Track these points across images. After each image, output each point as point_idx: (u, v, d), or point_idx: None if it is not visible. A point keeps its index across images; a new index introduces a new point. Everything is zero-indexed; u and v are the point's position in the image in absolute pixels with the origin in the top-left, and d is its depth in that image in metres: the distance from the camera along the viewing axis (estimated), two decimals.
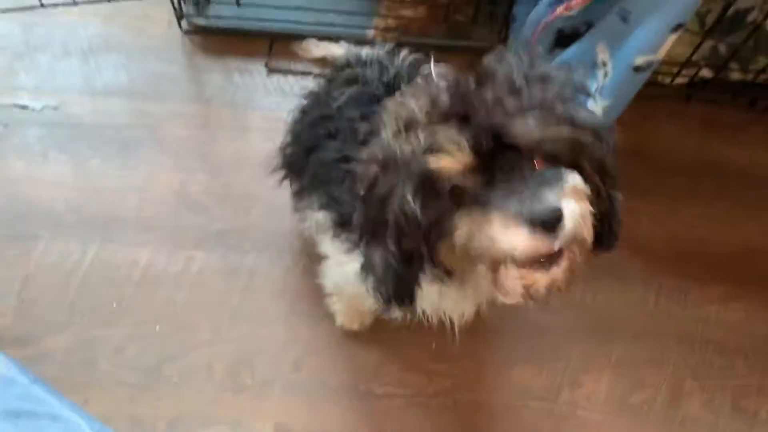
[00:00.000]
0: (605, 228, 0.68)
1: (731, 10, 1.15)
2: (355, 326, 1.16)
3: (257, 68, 1.44)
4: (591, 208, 0.62)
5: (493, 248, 0.59)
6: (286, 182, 1.08)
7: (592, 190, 0.63)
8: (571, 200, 0.59)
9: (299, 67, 1.44)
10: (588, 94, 0.68)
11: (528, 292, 0.63)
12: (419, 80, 0.71)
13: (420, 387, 1.15)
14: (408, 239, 0.64)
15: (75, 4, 1.31)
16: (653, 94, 1.39)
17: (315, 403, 1.14)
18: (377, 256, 0.68)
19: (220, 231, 1.26)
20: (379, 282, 0.70)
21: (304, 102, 1.03)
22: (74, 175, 1.30)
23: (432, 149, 0.59)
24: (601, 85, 1.08)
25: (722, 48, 1.29)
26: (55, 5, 1.34)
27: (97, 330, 1.17)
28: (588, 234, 0.62)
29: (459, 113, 0.60)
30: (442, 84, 0.64)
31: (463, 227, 0.61)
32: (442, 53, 1.44)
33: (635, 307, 1.24)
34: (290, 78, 1.43)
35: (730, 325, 1.24)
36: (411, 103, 0.63)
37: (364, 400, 1.14)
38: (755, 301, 1.25)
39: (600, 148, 0.64)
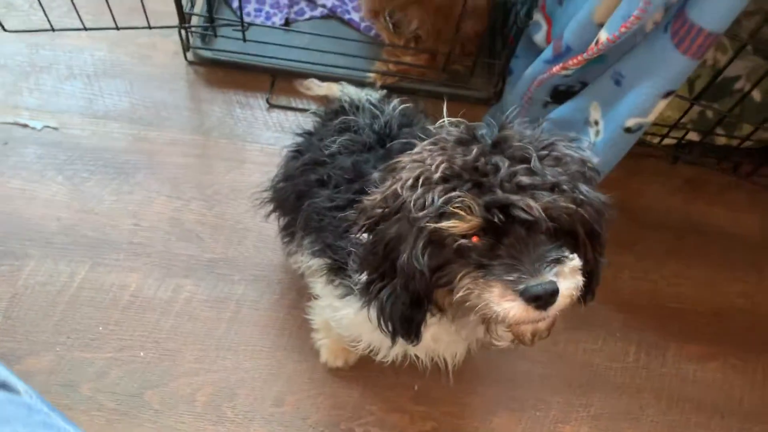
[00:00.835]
0: (586, 287, 0.71)
1: (719, 78, 1.20)
2: (339, 363, 1.17)
3: (258, 103, 1.47)
4: (582, 279, 0.66)
5: (489, 310, 0.64)
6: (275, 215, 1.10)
7: (582, 254, 0.68)
8: (568, 279, 0.64)
9: (299, 104, 1.48)
10: (597, 173, 0.73)
11: (516, 338, 0.70)
12: (434, 130, 0.74)
13: (401, 428, 1.15)
14: (416, 283, 0.67)
15: (85, 29, 1.33)
16: (641, 152, 1.44)
17: None
18: (385, 297, 0.71)
19: (211, 260, 1.27)
20: (387, 320, 0.72)
21: (298, 140, 1.06)
22: (69, 196, 1.31)
23: (446, 210, 0.62)
24: (592, 142, 1.11)
25: (709, 113, 1.34)
26: (66, 29, 1.36)
27: (81, 353, 1.16)
28: (574, 299, 0.66)
29: (473, 178, 0.63)
30: (457, 142, 0.68)
31: (463, 285, 0.64)
32: (439, 100, 1.49)
33: (616, 360, 1.26)
34: (290, 114, 1.47)
35: (707, 384, 1.26)
36: (428, 159, 0.67)
37: None
38: (732, 362, 1.28)
39: (598, 221, 0.69)
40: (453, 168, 0.64)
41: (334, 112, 1.06)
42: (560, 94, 1.20)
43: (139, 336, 1.19)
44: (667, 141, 1.40)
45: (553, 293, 0.62)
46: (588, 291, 0.75)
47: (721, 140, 1.39)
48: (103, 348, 1.17)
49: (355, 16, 1.57)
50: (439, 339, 0.84)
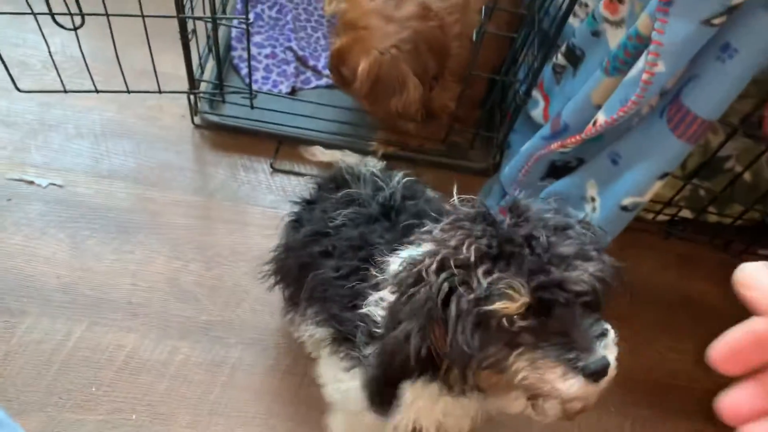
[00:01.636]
0: None
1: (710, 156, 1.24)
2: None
3: (262, 167, 1.50)
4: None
5: (547, 389, 0.65)
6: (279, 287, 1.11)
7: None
8: (612, 351, 0.66)
9: (302, 169, 1.51)
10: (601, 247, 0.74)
11: (564, 413, 0.71)
12: (448, 210, 0.75)
13: None
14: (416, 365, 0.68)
15: (97, 91, 1.36)
16: (635, 227, 1.46)
17: None
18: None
19: (208, 322, 1.27)
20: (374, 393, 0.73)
21: (297, 209, 1.08)
22: (70, 254, 1.32)
23: (496, 292, 0.63)
24: (589, 218, 1.14)
25: (702, 192, 1.37)
26: (78, 91, 1.40)
27: (72, 414, 1.15)
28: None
29: (506, 256, 0.65)
30: (476, 221, 0.69)
31: (519, 366, 0.65)
32: (438, 170, 1.53)
33: None
34: (293, 178, 1.49)
35: None
36: (451, 240, 0.67)
37: None
38: None
39: (612, 287, 0.71)
40: (483, 248, 0.65)
41: (332, 179, 1.08)
42: (557, 169, 1.24)
43: (132, 398, 1.17)
44: (660, 217, 1.44)
45: (607, 366, 0.64)
46: None
47: (713, 218, 1.43)
48: (95, 409, 1.16)
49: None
50: (449, 414, 0.84)
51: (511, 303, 0.62)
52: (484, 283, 0.63)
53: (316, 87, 1.63)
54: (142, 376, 1.20)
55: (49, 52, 1.31)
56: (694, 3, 0.84)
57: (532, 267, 0.63)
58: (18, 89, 1.36)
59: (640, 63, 0.93)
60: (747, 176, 1.36)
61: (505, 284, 0.62)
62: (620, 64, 1.01)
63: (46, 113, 1.51)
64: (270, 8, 1.73)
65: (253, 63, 1.62)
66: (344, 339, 0.86)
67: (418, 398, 0.80)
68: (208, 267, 1.34)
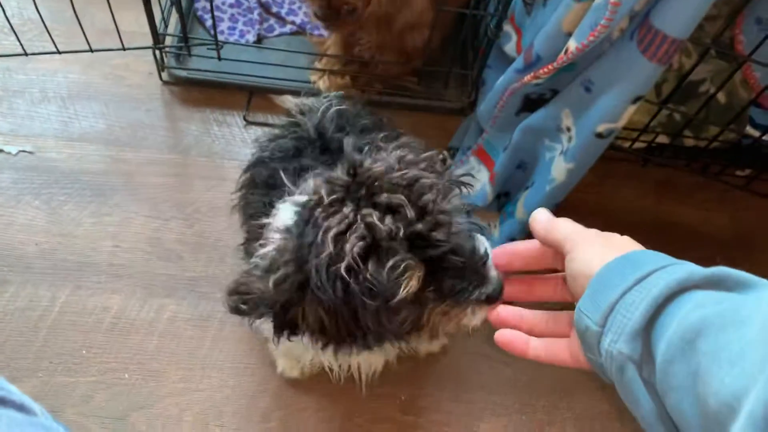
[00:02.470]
0: None
1: (685, 81, 1.24)
2: (295, 374, 1.17)
3: (235, 120, 1.48)
4: None
5: (460, 326, 0.69)
6: None
7: None
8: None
9: (276, 119, 1.48)
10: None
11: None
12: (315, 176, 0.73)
13: None
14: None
15: (59, 52, 1.33)
16: (613, 156, 1.47)
17: None
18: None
19: (193, 279, 1.27)
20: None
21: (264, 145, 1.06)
22: (47, 220, 1.30)
23: (394, 282, 0.62)
24: (565, 148, 1.14)
25: (677, 116, 1.37)
26: (40, 53, 1.36)
27: (64, 377, 1.15)
28: None
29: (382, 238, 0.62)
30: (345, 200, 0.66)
31: (433, 320, 0.69)
32: (414, 112, 1.52)
33: None
34: (267, 130, 1.47)
35: None
36: (329, 236, 0.63)
37: None
38: None
39: None
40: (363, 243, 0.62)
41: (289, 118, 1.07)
42: (532, 102, 1.23)
43: (123, 358, 1.18)
44: (637, 145, 1.44)
45: (502, 285, 0.68)
46: None
47: (690, 142, 1.43)
48: (86, 372, 1.17)
49: (325, 33, 1.59)
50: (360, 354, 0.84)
51: (413, 283, 0.63)
52: (383, 277, 0.61)
53: (281, 34, 1.60)
54: (131, 335, 1.21)
55: (5, 14, 1.27)
56: None
57: (409, 236, 0.62)
58: None
59: None
60: (721, 97, 1.36)
61: (401, 270, 0.61)
62: None
63: (9, 79, 1.47)
64: None
65: (217, 13, 1.58)
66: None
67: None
68: (189, 224, 1.34)
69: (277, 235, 0.72)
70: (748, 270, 0.50)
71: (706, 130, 1.40)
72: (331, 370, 1.01)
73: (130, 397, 1.15)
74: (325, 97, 1.08)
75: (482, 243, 0.69)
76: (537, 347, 0.64)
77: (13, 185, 1.33)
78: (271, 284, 0.67)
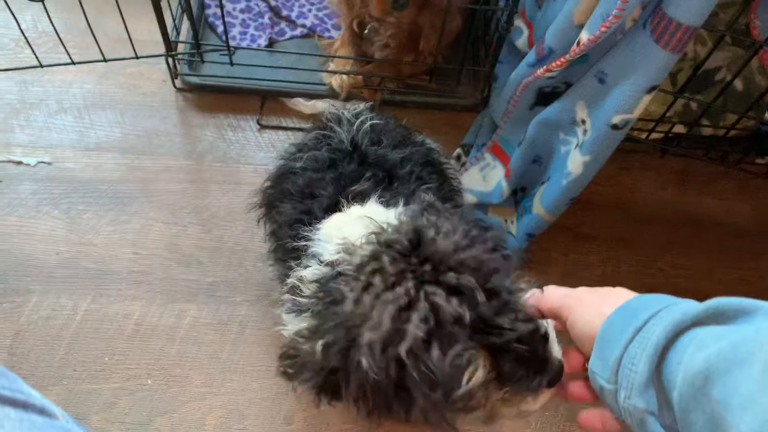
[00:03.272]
0: None
1: (700, 70, 1.22)
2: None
3: (249, 124, 1.48)
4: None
5: (521, 413, 0.65)
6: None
7: None
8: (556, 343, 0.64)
9: (290, 123, 1.49)
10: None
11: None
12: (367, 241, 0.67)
13: None
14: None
15: (73, 63, 1.34)
16: (630, 148, 1.46)
17: None
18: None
19: (212, 283, 1.28)
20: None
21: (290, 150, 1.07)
22: (67, 229, 1.32)
23: (458, 370, 0.59)
24: (581, 141, 1.13)
25: (693, 105, 1.36)
26: (54, 65, 1.38)
27: (88, 384, 1.16)
28: None
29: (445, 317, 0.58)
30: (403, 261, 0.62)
31: (492, 407, 0.65)
32: (427, 110, 1.52)
33: None
34: (281, 133, 1.48)
35: None
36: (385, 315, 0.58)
37: None
38: None
39: None
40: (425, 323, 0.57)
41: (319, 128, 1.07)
42: (546, 96, 1.22)
43: (145, 364, 1.19)
44: (654, 135, 1.42)
45: (562, 367, 0.63)
46: None
47: (707, 131, 1.41)
48: (110, 378, 1.17)
49: (335, 34, 1.59)
50: None
51: (479, 374, 0.59)
52: (445, 366, 0.57)
53: (291, 38, 1.60)
54: (153, 341, 1.21)
55: (20, 28, 1.29)
56: None
57: (473, 322, 0.58)
58: None
59: None
60: (738, 84, 1.34)
61: (466, 360, 0.58)
62: None
63: (26, 91, 1.49)
64: None
65: (228, 19, 1.59)
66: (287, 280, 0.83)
67: None
68: (207, 229, 1.34)
69: (319, 270, 0.70)
70: None
71: (723, 119, 1.38)
72: None
73: (153, 403, 1.16)
74: (356, 108, 1.09)
75: (542, 324, 0.64)
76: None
77: (32, 196, 1.35)
78: (318, 348, 0.62)
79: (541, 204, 1.24)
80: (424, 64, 1.48)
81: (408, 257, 0.61)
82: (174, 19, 1.44)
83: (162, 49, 1.39)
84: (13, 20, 1.24)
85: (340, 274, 0.66)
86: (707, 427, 0.45)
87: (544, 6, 1.27)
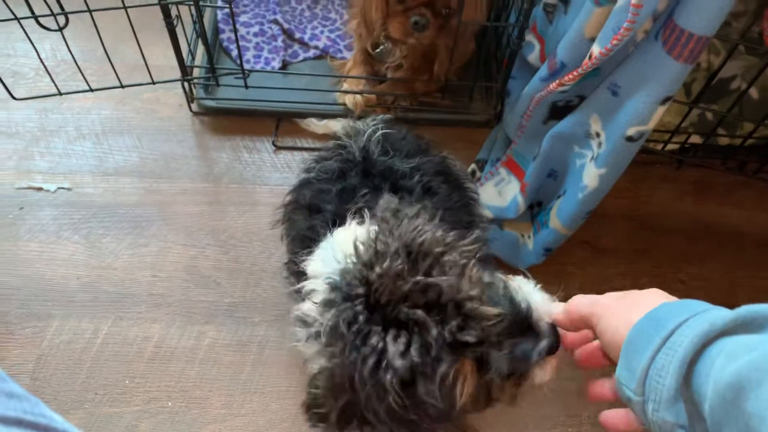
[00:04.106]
0: None
1: (714, 80, 1.21)
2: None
3: (265, 146, 1.50)
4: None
5: (535, 386, 0.66)
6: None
7: None
8: (546, 311, 0.65)
9: (305, 143, 1.50)
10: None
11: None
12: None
13: None
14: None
15: (91, 90, 1.37)
16: (646, 160, 1.45)
17: None
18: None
19: (231, 304, 1.29)
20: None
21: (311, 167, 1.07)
22: (87, 254, 1.33)
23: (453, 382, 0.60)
24: (596, 154, 1.13)
25: (709, 115, 1.35)
26: (73, 92, 1.40)
27: (109, 407, 1.17)
28: None
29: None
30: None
31: (495, 393, 0.66)
32: (440, 127, 1.52)
33: None
34: (296, 154, 1.49)
35: None
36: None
37: None
38: None
39: None
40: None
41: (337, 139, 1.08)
42: (559, 110, 1.22)
43: (165, 386, 1.19)
44: (670, 146, 1.41)
45: (557, 332, 0.65)
46: None
47: (724, 140, 1.40)
48: (131, 401, 1.18)
49: (348, 55, 1.60)
50: None
51: (469, 383, 0.60)
52: (436, 392, 0.59)
53: (305, 59, 1.62)
54: (173, 363, 1.22)
55: (39, 57, 1.31)
56: None
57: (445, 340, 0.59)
58: (14, 98, 1.36)
59: None
60: (754, 93, 1.33)
61: (452, 378, 0.59)
62: None
63: (46, 119, 1.51)
64: None
65: (242, 43, 1.61)
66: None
67: None
68: (224, 250, 1.35)
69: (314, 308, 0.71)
70: None
71: (740, 128, 1.37)
72: None
73: (175, 425, 1.16)
74: (372, 121, 1.09)
75: (521, 297, 0.65)
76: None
77: (53, 221, 1.37)
78: (335, 413, 0.66)
79: (558, 218, 1.23)
80: (437, 82, 1.49)
81: (365, 301, 0.62)
82: (189, 45, 1.46)
83: (178, 74, 1.41)
84: (33, 50, 1.27)
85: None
86: None
87: (555, 20, 1.28)
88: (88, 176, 1.44)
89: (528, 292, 0.66)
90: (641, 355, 0.51)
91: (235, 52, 1.57)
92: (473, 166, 1.47)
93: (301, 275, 0.84)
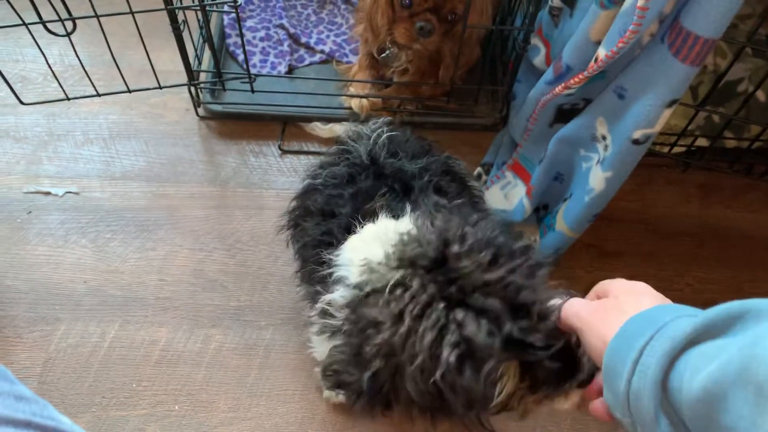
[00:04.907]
0: None
1: (721, 82, 1.21)
2: (342, 396, 1.16)
3: (271, 150, 1.50)
4: None
5: (553, 410, 0.66)
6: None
7: None
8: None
9: (311, 147, 1.51)
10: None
11: None
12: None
13: None
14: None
15: (98, 95, 1.37)
16: (652, 163, 1.45)
17: None
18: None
19: (237, 308, 1.29)
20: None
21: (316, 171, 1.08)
22: (94, 257, 1.34)
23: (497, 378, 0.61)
24: (602, 157, 1.12)
25: (716, 118, 1.35)
26: (80, 97, 1.41)
27: (116, 411, 1.17)
28: None
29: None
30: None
31: (528, 407, 0.66)
32: (446, 131, 1.52)
33: None
34: (302, 158, 1.49)
35: None
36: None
37: None
38: None
39: None
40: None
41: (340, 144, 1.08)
42: (565, 113, 1.22)
43: (172, 390, 1.20)
44: (676, 149, 1.41)
45: (594, 367, 0.63)
46: None
47: (731, 143, 1.40)
48: (138, 405, 1.18)
49: (354, 59, 1.61)
50: None
51: (509, 385, 0.61)
52: (479, 383, 0.59)
53: (311, 64, 1.62)
54: (180, 367, 1.22)
55: (47, 62, 1.32)
56: None
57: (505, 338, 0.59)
58: (22, 103, 1.37)
59: None
60: (761, 95, 1.33)
61: (498, 374, 0.60)
62: None
63: (53, 123, 1.52)
64: None
65: (249, 47, 1.62)
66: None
67: None
68: (231, 254, 1.35)
69: (347, 293, 0.71)
70: None
71: (747, 130, 1.37)
72: None
73: (181, 429, 1.16)
74: (374, 124, 1.09)
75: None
76: None
77: (60, 225, 1.37)
78: (366, 378, 0.65)
79: (565, 221, 1.23)
80: (443, 86, 1.49)
81: (434, 273, 0.62)
82: (195, 50, 1.47)
83: (184, 79, 1.42)
84: (41, 55, 1.28)
85: (368, 295, 0.66)
86: None
87: (561, 24, 1.28)
88: (96, 180, 1.44)
89: None
90: (619, 380, 0.51)
91: (241, 57, 1.57)
92: (479, 169, 1.47)
93: (315, 285, 0.84)
